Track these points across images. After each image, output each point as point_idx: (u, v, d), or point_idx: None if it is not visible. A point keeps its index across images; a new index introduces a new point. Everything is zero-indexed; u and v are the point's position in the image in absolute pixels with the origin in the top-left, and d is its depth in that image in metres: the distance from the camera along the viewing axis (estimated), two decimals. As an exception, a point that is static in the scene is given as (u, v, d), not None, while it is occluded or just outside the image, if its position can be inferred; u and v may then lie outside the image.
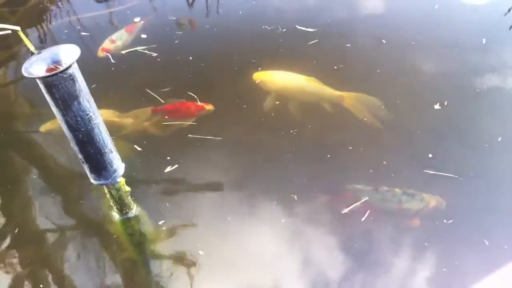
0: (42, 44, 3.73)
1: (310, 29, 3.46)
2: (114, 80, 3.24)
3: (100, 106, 2.71)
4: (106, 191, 2.21)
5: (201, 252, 2.22)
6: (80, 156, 1.97)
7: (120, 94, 3.10)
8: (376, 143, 2.67)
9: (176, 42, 3.53)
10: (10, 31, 3.50)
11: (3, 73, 3.61)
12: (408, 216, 2.30)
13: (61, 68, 1.68)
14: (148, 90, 3.06)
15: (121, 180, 2.18)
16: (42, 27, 3.99)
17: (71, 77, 1.71)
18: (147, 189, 2.53)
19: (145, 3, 4.11)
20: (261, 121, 2.85)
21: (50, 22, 4.03)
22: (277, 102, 2.93)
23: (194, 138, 2.76)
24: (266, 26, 3.54)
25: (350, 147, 2.64)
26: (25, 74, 1.68)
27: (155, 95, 3.03)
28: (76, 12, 4.06)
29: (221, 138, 2.75)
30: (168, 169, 2.59)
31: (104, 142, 1.94)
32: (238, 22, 3.72)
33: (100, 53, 3.22)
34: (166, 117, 2.88)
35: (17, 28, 3.38)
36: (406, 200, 2.36)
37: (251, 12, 3.83)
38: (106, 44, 3.26)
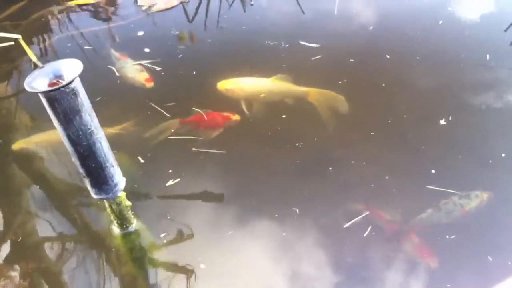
0: (45, 57, 3.77)
1: (313, 45, 3.49)
2: (119, 93, 3.28)
3: (105, 119, 2.74)
4: (106, 205, 2.24)
5: (202, 266, 2.24)
6: (81, 170, 2.00)
7: (125, 107, 3.15)
8: (379, 158, 2.69)
9: (179, 56, 3.58)
10: (13, 43, 3.60)
11: (4, 86, 3.65)
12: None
13: (64, 83, 1.72)
14: (153, 104, 3.11)
15: (122, 195, 2.20)
16: (44, 41, 4.05)
17: (74, 92, 1.75)
18: (149, 203, 2.55)
19: (149, 17, 4.15)
20: (267, 134, 2.88)
21: (53, 36, 4.08)
22: (284, 116, 2.96)
23: (198, 152, 2.79)
24: (269, 42, 3.59)
25: (353, 161, 2.66)
26: (28, 89, 1.72)
27: (160, 109, 3.06)
28: (79, 26, 4.11)
29: (225, 152, 2.77)
30: (170, 182, 2.62)
31: (105, 156, 1.97)
32: (241, 37, 3.77)
33: (148, 85, 3.17)
34: (193, 128, 2.94)
35: (18, 36, 3.46)
36: (466, 202, 2.41)
37: (254, 28, 3.89)
38: (144, 74, 3.21)
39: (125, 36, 3.93)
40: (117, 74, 3.34)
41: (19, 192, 2.78)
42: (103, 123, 2.52)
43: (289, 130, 2.89)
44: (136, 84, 3.17)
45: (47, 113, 1.81)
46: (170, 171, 2.68)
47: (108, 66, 3.48)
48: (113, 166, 2.04)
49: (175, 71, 3.40)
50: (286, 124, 2.93)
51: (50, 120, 1.84)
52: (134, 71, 3.17)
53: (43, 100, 1.76)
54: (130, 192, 2.30)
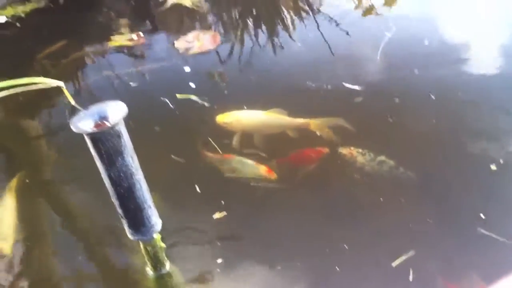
0: (82, 97, 3.90)
1: (357, 87, 3.57)
2: (178, 125, 3.46)
3: (167, 150, 3.10)
4: (141, 246, 2.29)
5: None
6: (119, 210, 2.07)
7: (184, 138, 3.31)
8: (423, 201, 2.71)
9: (225, 92, 3.76)
10: (51, 85, 3.75)
11: (37, 124, 3.80)
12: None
13: (109, 125, 1.81)
14: (210, 140, 3.22)
15: (157, 236, 2.26)
16: (82, 81, 4.23)
17: (118, 134, 1.84)
18: (190, 236, 2.63)
19: (186, 59, 4.32)
20: (334, 163, 2.95)
21: (91, 76, 4.27)
22: (352, 148, 3.02)
23: (256, 187, 2.88)
24: (311, 83, 3.68)
25: (403, 200, 2.69)
26: (74, 129, 1.82)
27: (216, 146, 3.18)
28: (118, 67, 4.28)
29: (283, 187, 2.85)
30: (216, 215, 2.68)
31: (144, 197, 2.05)
32: (283, 76, 3.89)
33: (272, 176, 2.97)
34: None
35: (61, 83, 3.61)
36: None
37: (297, 68, 4.00)
38: (262, 167, 3.03)
39: (166, 76, 4.12)
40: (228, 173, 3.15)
41: (49, 231, 2.87)
42: (162, 150, 2.99)
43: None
44: (258, 178, 3.01)
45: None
46: (222, 202, 2.76)
47: (161, 98, 3.66)
48: (150, 207, 2.12)
49: (223, 107, 3.48)
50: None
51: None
52: (251, 167, 3.03)
53: (88, 141, 1.86)
54: (176, 224, 2.36)
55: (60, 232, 2.83)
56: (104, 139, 1.83)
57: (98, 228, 2.80)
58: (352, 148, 2.95)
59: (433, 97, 3.40)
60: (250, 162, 3.03)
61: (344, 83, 3.59)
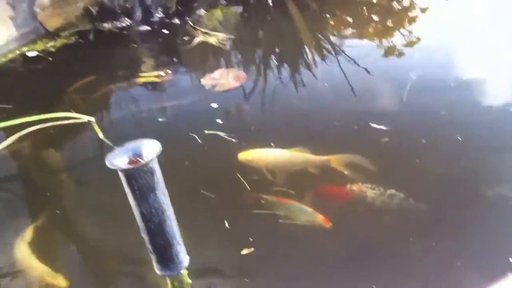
0: (111, 132, 3.95)
1: (384, 127, 3.58)
2: (206, 161, 3.50)
3: (197, 184, 3.13)
4: (168, 282, 2.29)
5: None
6: (149, 246, 2.09)
7: (213, 173, 3.34)
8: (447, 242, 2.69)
9: (252, 129, 3.81)
10: (81, 120, 3.83)
11: (66, 157, 3.87)
12: None
13: (143, 162, 1.85)
14: (239, 175, 3.23)
15: (184, 273, 2.26)
16: (109, 116, 4.31)
17: (151, 171, 1.87)
18: (218, 272, 2.63)
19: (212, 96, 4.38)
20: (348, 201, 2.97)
21: (119, 111, 4.36)
22: (361, 184, 3.03)
23: (285, 224, 2.87)
24: (337, 123, 3.72)
25: (434, 243, 2.66)
26: (109, 165, 1.86)
27: (244, 181, 3.19)
28: (145, 102, 4.37)
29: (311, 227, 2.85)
30: (244, 251, 2.68)
31: (173, 233, 2.07)
32: (310, 115, 3.94)
33: (327, 225, 2.90)
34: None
35: (91, 118, 3.69)
36: None
37: (323, 107, 4.06)
38: (319, 215, 2.97)
39: (193, 112, 4.20)
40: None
41: (75, 263, 2.90)
42: (191, 185, 3.03)
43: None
44: (315, 226, 2.92)
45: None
46: (250, 238, 2.76)
47: (190, 133, 3.71)
48: (179, 243, 2.13)
49: (250, 144, 3.52)
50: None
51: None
52: (308, 214, 2.97)
53: (122, 177, 1.89)
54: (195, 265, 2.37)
55: (86, 266, 2.86)
56: (137, 175, 1.87)
57: (123, 263, 2.82)
58: (360, 184, 2.98)
59: (459, 138, 3.39)
60: (308, 209, 2.96)
61: (370, 123, 3.61)
